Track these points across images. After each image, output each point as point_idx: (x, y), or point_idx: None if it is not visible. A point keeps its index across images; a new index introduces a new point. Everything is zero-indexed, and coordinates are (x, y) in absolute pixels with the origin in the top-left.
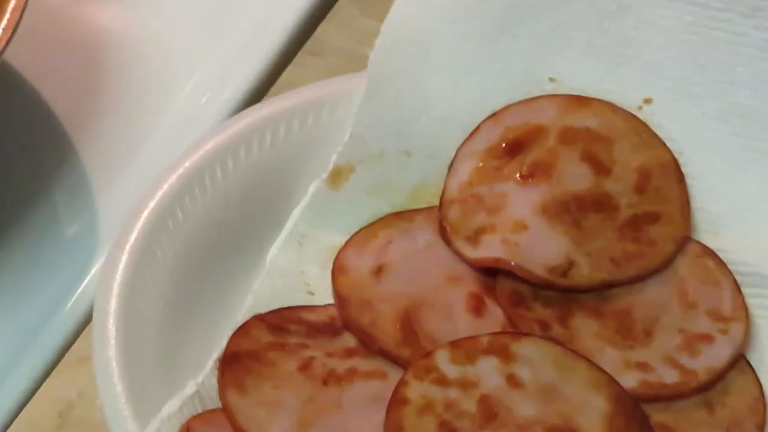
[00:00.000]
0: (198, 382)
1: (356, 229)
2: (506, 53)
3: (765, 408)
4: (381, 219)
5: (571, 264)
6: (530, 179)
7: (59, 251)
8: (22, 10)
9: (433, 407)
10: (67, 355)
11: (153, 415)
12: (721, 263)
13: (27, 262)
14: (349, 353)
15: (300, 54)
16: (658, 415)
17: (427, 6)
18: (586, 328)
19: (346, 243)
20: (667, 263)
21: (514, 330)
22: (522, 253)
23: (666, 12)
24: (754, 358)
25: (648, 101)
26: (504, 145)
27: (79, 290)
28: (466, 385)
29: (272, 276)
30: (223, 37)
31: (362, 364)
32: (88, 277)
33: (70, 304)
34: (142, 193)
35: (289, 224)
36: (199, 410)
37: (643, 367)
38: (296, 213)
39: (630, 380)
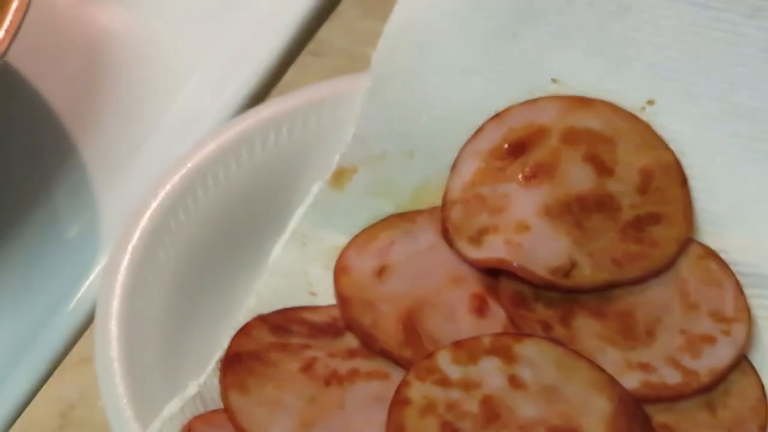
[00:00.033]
0: (200, 382)
1: (359, 230)
2: (509, 54)
3: (767, 409)
4: (383, 220)
5: (573, 265)
6: (533, 180)
7: (60, 251)
8: (24, 11)
9: (435, 408)
10: (68, 355)
11: (155, 415)
12: (724, 264)
13: (28, 262)
14: (351, 354)
15: (302, 55)
16: (659, 416)
17: (430, 7)
18: (588, 329)
19: (349, 243)
20: (670, 264)
21: (516, 331)
22: (524, 254)
23: (667, 12)
24: (756, 359)
25: (651, 102)
26: (507, 145)
27: (81, 291)
28: (468, 385)
29: (274, 276)
30: (225, 38)
31: (364, 364)
32: (90, 278)
33: (71, 305)
34: (145, 193)
35: (291, 225)
36: (201, 411)
37: (645, 367)
38: (299, 213)
39: (632, 381)
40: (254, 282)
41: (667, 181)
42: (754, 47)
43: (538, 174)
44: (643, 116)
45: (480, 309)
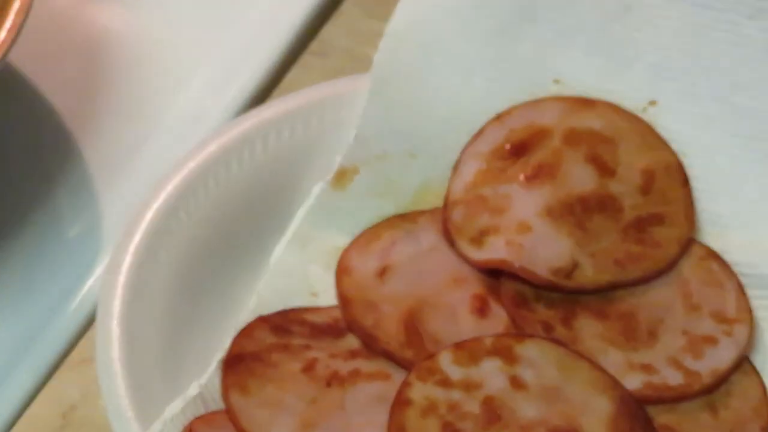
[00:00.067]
0: (201, 383)
1: (360, 231)
2: (510, 55)
3: None
4: (385, 220)
5: (575, 265)
6: (534, 181)
7: (61, 252)
8: (26, 12)
9: (437, 409)
10: (70, 355)
11: (156, 416)
12: (725, 265)
13: (29, 262)
14: (353, 354)
15: (304, 55)
16: (661, 417)
17: (432, 7)
18: (589, 330)
19: (350, 244)
20: (672, 265)
21: (518, 331)
22: (526, 255)
23: (668, 13)
24: (757, 360)
25: (652, 103)
26: (508, 146)
27: (82, 291)
28: (469, 386)
29: (276, 277)
30: (227, 37)
31: (365, 365)
32: (91, 278)
33: (73, 305)
34: (146, 194)
35: (292, 225)
36: (202, 411)
37: (646, 368)
38: (300, 214)
39: (634, 382)
40: (255, 282)
41: (669, 182)
42: (755, 48)
43: (539, 175)
44: (645, 117)
45: (481, 310)
